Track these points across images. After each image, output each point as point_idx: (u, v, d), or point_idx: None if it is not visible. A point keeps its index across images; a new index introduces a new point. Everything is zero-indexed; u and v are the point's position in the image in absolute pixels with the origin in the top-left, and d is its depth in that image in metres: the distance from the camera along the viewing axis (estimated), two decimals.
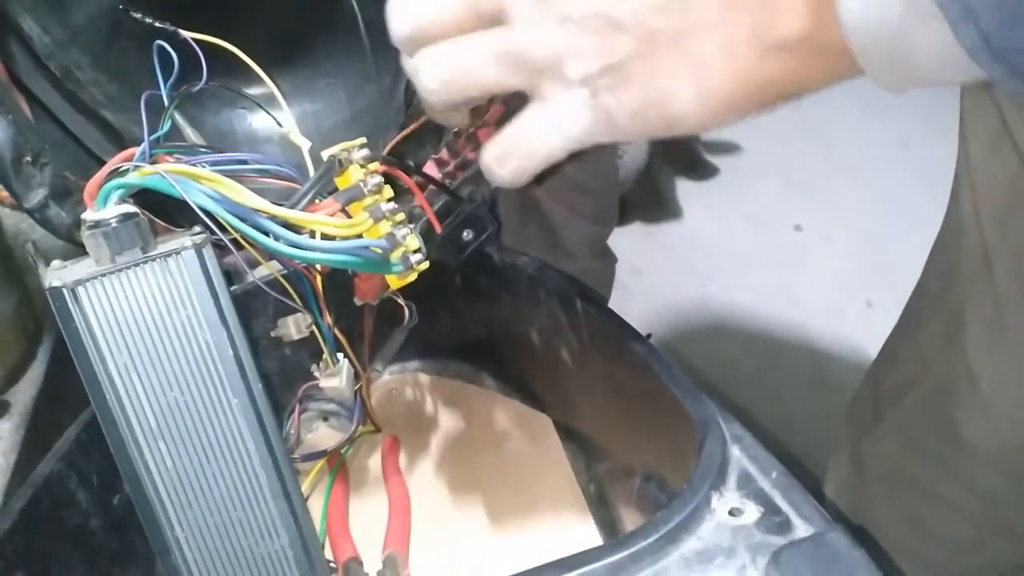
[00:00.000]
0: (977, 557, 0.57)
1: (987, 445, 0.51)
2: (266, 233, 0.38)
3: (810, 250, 1.25)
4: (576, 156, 0.36)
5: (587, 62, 0.30)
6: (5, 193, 0.74)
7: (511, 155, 0.35)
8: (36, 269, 0.37)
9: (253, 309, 0.53)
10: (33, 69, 0.49)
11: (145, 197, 0.38)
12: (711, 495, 0.33)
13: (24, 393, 0.62)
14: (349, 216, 0.43)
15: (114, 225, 0.36)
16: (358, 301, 0.49)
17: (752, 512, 0.33)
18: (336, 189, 0.44)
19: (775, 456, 0.36)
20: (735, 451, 0.35)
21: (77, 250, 0.50)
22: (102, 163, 0.52)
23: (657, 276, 1.18)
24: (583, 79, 0.30)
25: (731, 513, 0.33)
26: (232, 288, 0.40)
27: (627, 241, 1.00)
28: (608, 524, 0.51)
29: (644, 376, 0.41)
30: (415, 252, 0.45)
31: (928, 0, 0.22)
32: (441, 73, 0.33)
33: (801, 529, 0.32)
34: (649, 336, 0.49)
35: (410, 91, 0.53)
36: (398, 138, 0.50)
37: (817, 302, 1.13)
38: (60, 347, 0.67)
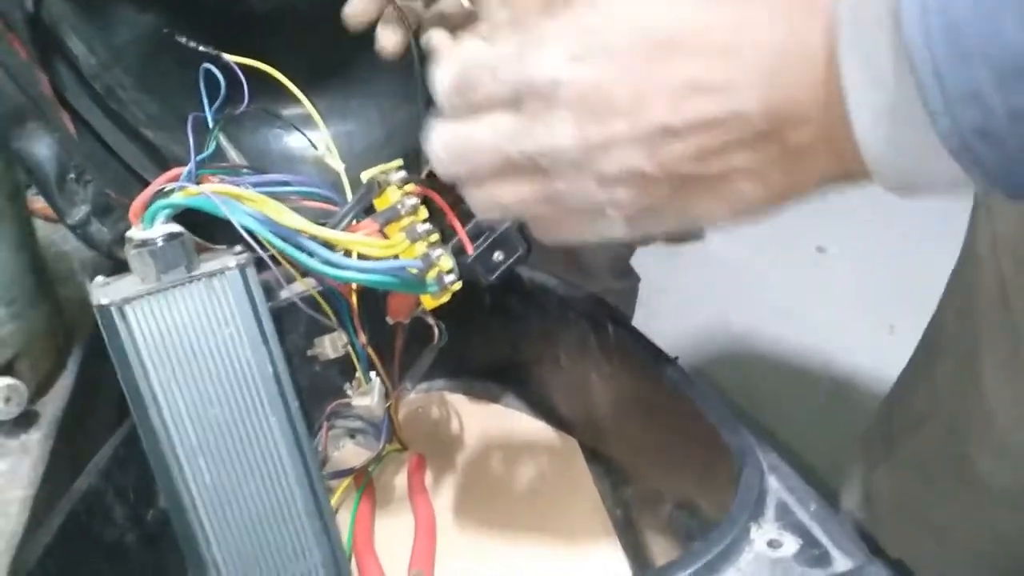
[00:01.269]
0: None
1: (1002, 483, 0.51)
2: (306, 252, 0.38)
3: (833, 273, 1.24)
4: None
5: (624, 209, 0.32)
6: (40, 204, 0.75)
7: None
8: (77, 279, 0.38)
9: (286, 326, 0.53)
10: (78, 88, 0.50)
11: (183, 216, 0.39)
12: (750, 526, 0.33)
13: (53, 404, 0.63)
14: (386, 237, 0.43)
15: (160, 244, 0.36)
16: (390, 320, 0.50)
17: (791, 544, 0.32)
18: (374, 210, 0.45)
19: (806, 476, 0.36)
20: (773, 481, 0.35)
21: (110, 263, 0.51)
22: (143, 181, 0.53)
23: (679, 296, 1.18)
24: (622, 219, 0.32)
25: (770, 545, 0.32)
26: (269, 303, 0.41)
27: (651, 260, 1.00)
28: (634, 549, 0.50)
29: (677, 402, 0.41)
30: (449, 272, 0.45)
31: (942, 151, 0.24)
32: (491, 212, 0.36)
33: (840, 563, 0.32)
34: (676, 359, 0.49)
35: None
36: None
37: (839, 326, 1.12)
38: (90, 358, 0.68)
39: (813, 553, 0.32)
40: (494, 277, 0.46)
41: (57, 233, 0.78)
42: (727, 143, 0.28)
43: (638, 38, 0.29)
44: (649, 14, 0.29)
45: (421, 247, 0.44)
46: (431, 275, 0.44)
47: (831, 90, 0.26)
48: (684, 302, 1.17)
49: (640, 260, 1.01)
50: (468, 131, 0.34)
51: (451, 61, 0.35)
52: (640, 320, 1.10)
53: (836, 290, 1.21)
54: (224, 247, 0.41)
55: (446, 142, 0.34)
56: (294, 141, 0.59)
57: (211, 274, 0.37)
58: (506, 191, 0.35)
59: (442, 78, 0.35)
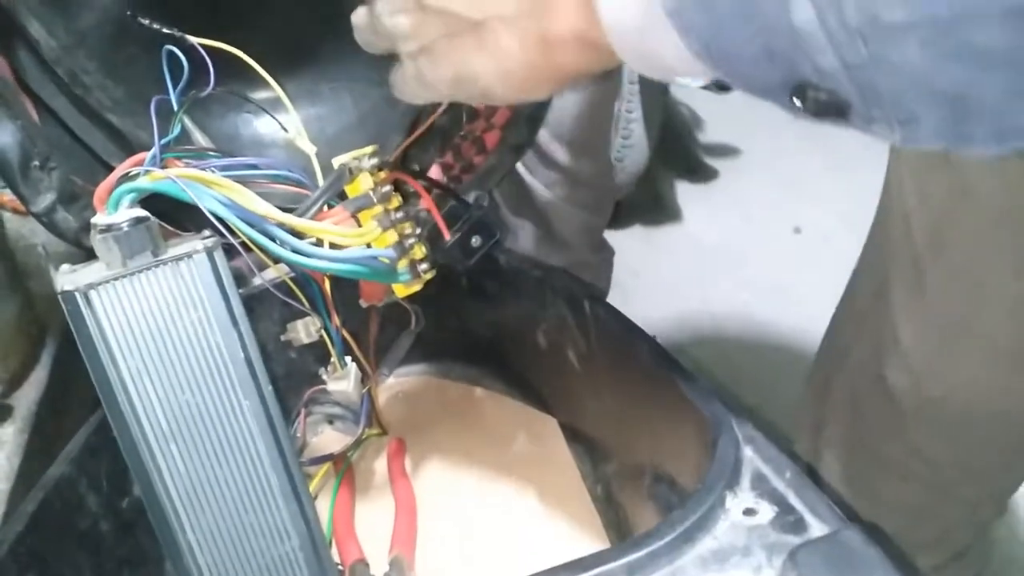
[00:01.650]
0: (931, 527, 0.60)
1: (913, 400, 0.55)
2: (274, 239, 0.38)
3: (810, 252, 1.25)
4: None
5: (409, 43, 0.37)
6: (8, 197, 0.74)
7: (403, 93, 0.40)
8: (47, 272, 0.37)
9: (259, 312, 0.53)
10: (40, 74, 0.49)
11: (151, 203, 0.38)
12: (725, 495, 0.33)
13: (27, 397, 0.62)
14: (359, 224, 0.43)
15: (125, 229, 0.36)
16: (364, 303, 0.50)
17: (767, 512, 0.33)
18: (346, 197, 0.44)
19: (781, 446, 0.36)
20: (748, 451, 0.35)
21: (81, 254, 0.50)
22: (109, 168, 0.52)
23: (657, 278, 1.18)
24: (408, 55, 0.37)
25: (746, 513, 0.33)
26: (240, 291, 0.40)
27: (627, 243, 1.00)
28: (615, 525, 0.51)
29: (654, 376, 0.41)
30: (422, 261, 0.45)
31: (660, 12, 0.26)
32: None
33: (816, 528, 0.32)
34: (654, 337, 0.49)
35: None
36: (405, 144, 0.50)
37: (817, 304, 1.13)
38: (63, 351, 0.67)
39: (788, 520, 0.32)
40: (472, 261, 0.46)
41: (26, 226, 0.77)
42: None
43: None
44: None
45: (393, 235, 0.44)
46: (403, 264, 0.44)
47: None
48: (662, 284, 1.17)
49: (618, 243, 1.01)
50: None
51: None
52: (618, 302, 1.10)
53: (813, 270, 1.21)
54: (192, 233, 0.40)
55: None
56: (264, 126, 0.58)
57: (178, 258, 0.36)
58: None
59: None
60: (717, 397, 0.38)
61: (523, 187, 0.89)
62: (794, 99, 0.26)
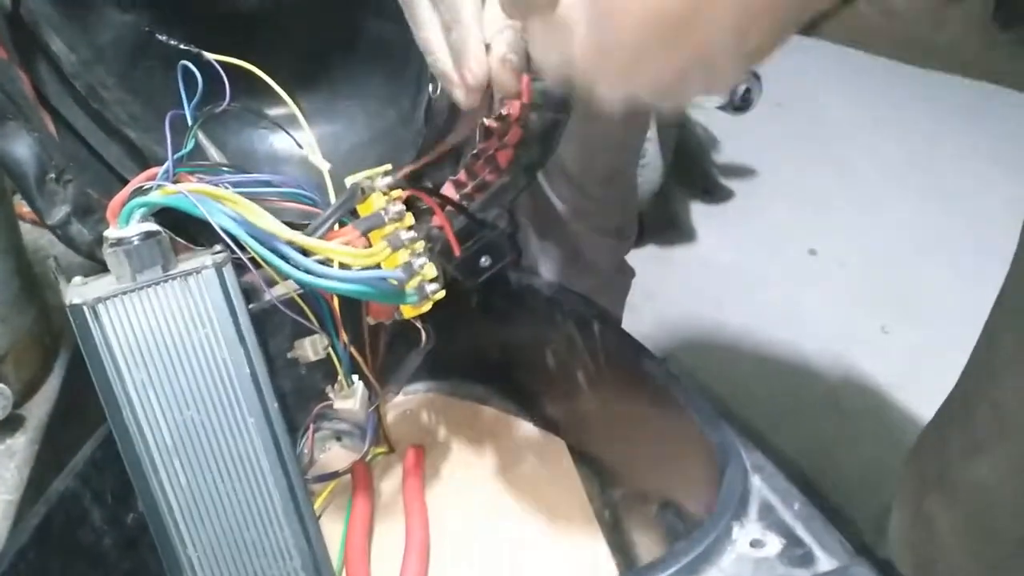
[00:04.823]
0: None
1: None
2: (283, 257, 0.38)
3: (825, 274, 1.24)
4: None
5: None
6: (26, 208, 0.75)
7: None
8: (57, 285, 0.38)
9: (270, 328, 0.53)
10: (60, 88, 0.50)
11: (165, 215, 0.39)
12: (732, 526, 0.32)
13: (39, 407, 0.62)
14: (369, 244, 0.43)
15: (136, 243, 0.36)
16: (371, 321, 0.49)
17: (774, 544, 0.32)
18: (357, 214, 0.44)
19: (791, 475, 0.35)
20: (756, 481, 0.34)
21: (97, 266, 0.50)
22: (124, 181, 0.52)
23: (671, 297, 1.18)
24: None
25: (752, 544, 0.32)
26: (250, 306, 0.40)
27: (641, 262, 0.99)
28: (622, 549, 0.50)
29: (663, 402, 0.40)
30: (431, 281, 0.44)
31: None
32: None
33: (824, 562, 0.31)
34: (664, 360, 0.48)
35: (429, 114, 0.53)
36: (420, 164, 0.50)
37: (831, 327, 1.12)
38: (76, 362, 0.67)
39: (796, 553, 0.32)
40: (480, 280, 0.46)
41: (44, 237, 0.77)
42: None
43: None
44: None
45: (404, 255, 0.43)
46: (412, 284, 0.43)
47: None
48: (676, 305, 1.17)
49: (632, 263, 1.01)
50: None
51: None
52: (631, 322, 1.09)
53: (828, 292, 1.20)
54: (204, 247, 0.41)
55: None
56: (279, 142, 0.59)
57: (187, 273, 0.36)
58: None
59: None
60: (726, 424, 0.38)
61: (551, 212, 0.89)
62: None
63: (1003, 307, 0.55)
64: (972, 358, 0.58)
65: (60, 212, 0.47)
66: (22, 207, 0.74)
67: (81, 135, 0.51)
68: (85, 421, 0.64)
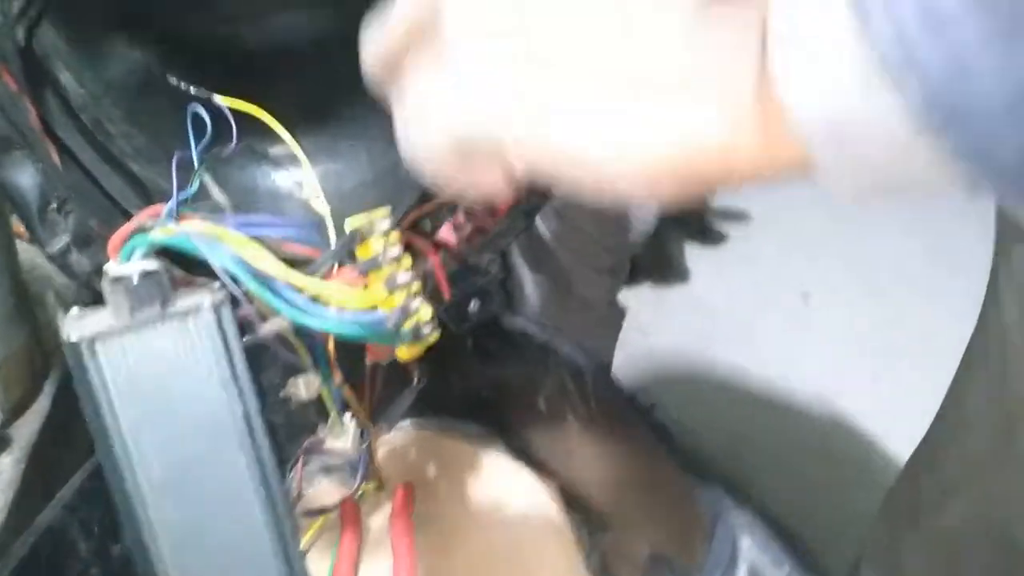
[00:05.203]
0: None
1: None
2: (282, 297, 0.38)
3: (817, 319, 1.25)
4: None
5: (489, 101, 0.28)
6: (23, 227, 0.75)
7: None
8: (57, 317, 0.38)
9: (264, 361, 0.53)
10: (66, 120, 0.50)
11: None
12: None
13: (27, 428, 0.62)
14: (367, 285, 0.43)
15: (136, 281, 0.36)
16: (369, 361, 0.50)
17: None
18: (355, 256, 0.45)
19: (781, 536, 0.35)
20: (746, 542, 0.34)
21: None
22: (125, 212, 0.53)
23: (663, 336, 1.18)
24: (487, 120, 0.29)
25: None
26: (245, 339, 0.41)
27: (634, 302, 1.00)
28: None
29: (652, 454, 0.41)
30: (427, 323, 0.45)
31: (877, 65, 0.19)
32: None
33: None
34: (653, 407, 0.49)
35: None
36: (420, 211, 0.50)
37: (823, 372, 1.12)
38: (66, 383, 0.67)
39: None
40: (467, 325, 0.47)
41: (40, 255, 0.77)
42: None
43: None
44: None
45: (400, 297, 0.44)
46: (407, 326, 0.44)
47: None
48: (669, 345, 1.17)
49: (627, 302, 1.02)
50: None
51: None
52: (623, 363, 1.10)
53: (820, 336, 1.21)
54: (204, 278, 0.41)
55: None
56: (282, 179, 0.59)
57: (185, 313, 0.36)
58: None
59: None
60: (717, 480, 0.38)
61: (543, 246, 0.90)
62: None
63: (971, 353, 0.55)
64: (943, 404, 0.59)
65: (60, 242, 0.47)
66: (18, 226, 0.75)
67: (85, 166, 0.52)
68: (73, 443, 0.64)
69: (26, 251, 0.74)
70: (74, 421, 0.65)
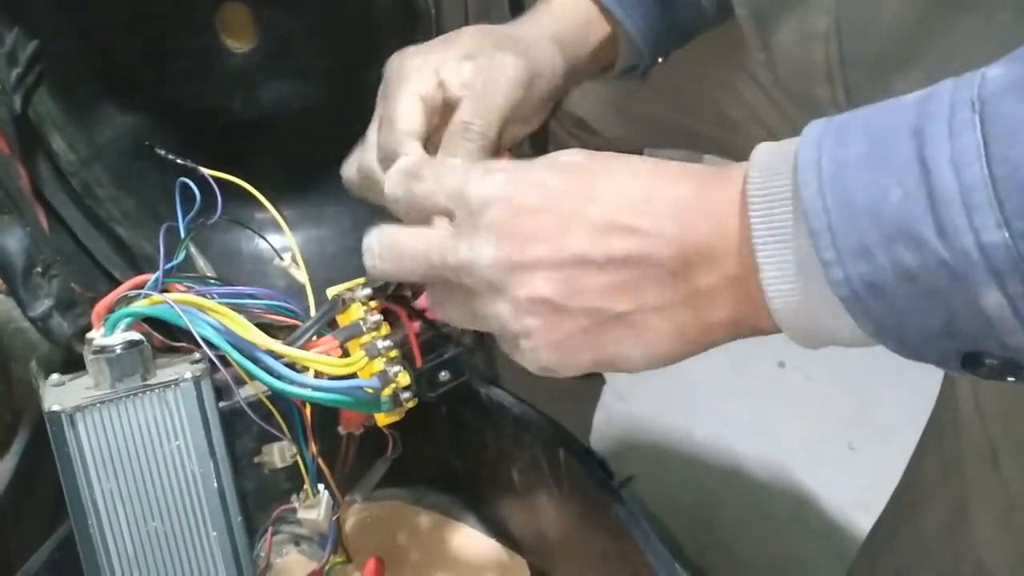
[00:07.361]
0: None
1: None
2: (262, 366, 0.39)
3: (793, 388, 1.26)
4: None
5: (535, 340, 0.32)
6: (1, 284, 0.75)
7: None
8: (38, 390, 0.38)
9: (238, 427, 0.53)
10: (55, 184, 0.51)
11: None
12: None
13: None
14: (347, 353, 0.44)
15: (118, 352, 0.37)
16: (342, 431, 0.50)
17: None
18: (336, 324, 0.45)
19: None
20: None
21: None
22: (109, 275, 0.53)
23: (641, 405, 1.19)
24: (530, 349, 0.33)
25: None
26: (221, 404, 0.41)
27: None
28: None
29: (622, 536, 0.41)
30: (405, 389, 0.46)
31: (834, 300, 0.26)
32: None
33: None
34: (631, 478, 0.49)
35: None
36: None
37: (799, 442, 1.13)
38: (34, 441, 0.66)
39: None
40: (435, 395, 0.47)
41: (15, 309, 0.77)
42: (639, 279, 0.30)
43: (570, 176, 0.32)
44: (581, 159, 0.32)
45: (379, 364, 0.44)
46: (387, 392, 0.45)
47: (743, 241, 0.28)
48: (646, 411, 1.18)
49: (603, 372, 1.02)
50: (402, 234, 0.35)
51: (407, 163, 0.37)
52: (600, 431, 1.10)
53: (796, 406, 1.22)
54: (184, 345, 0.41)
55: (380, 239, 0.36)
56: (264, 244, 0.60)
57: (165, 385, 0.37)
58: (436, 298, 0.37)
59: (392, 175, 0.37)
60: (681, 570, 0.38)
61: None
62: (964, 366, 0.25)
63: (926, 435, 0.56)
64: (900, 482, 0.60)
65: (43, 305, 0.48)
66: None
67: (72, 229, 0.52)
68: (38, 501, 0.63)
69: (1, 303, 0.74)
70: (40, 480, 0.64)
